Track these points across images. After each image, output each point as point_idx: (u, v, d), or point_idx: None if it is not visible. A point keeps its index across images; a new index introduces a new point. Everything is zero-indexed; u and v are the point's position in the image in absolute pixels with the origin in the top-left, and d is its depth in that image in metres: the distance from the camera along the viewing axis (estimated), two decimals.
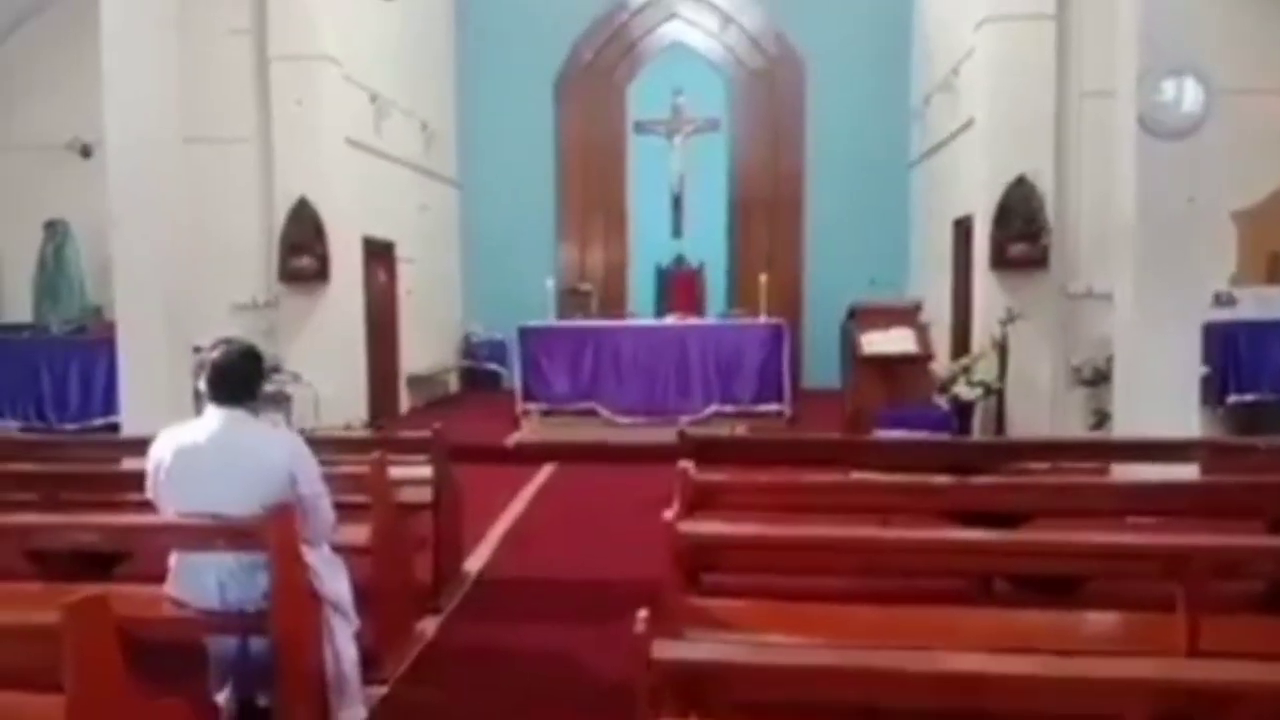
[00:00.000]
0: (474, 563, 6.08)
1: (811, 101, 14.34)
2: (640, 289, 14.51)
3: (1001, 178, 9.09)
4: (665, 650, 2.17)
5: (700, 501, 3.95)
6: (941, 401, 8.93)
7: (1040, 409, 9.03)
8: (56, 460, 5.40)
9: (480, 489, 8.12)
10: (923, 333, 8.65)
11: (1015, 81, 9.05)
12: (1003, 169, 9.10)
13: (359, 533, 4.22)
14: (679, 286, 14.11)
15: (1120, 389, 7.23)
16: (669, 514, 3.20)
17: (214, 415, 3.46)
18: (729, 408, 10.53)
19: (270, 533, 3.28)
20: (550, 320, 11.10)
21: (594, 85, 14.57)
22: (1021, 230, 8.91)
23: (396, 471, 5.05)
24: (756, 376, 10.58)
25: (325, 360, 9.67)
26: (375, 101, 11.03)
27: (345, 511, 4.35)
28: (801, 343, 13.67)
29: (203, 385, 3.52)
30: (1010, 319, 8.78)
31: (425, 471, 5.19)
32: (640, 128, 14.46)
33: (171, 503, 3.47)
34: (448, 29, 14.23)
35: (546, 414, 10.64)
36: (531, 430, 10.28)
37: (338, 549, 3.98)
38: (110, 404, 8.09)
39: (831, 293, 11.96)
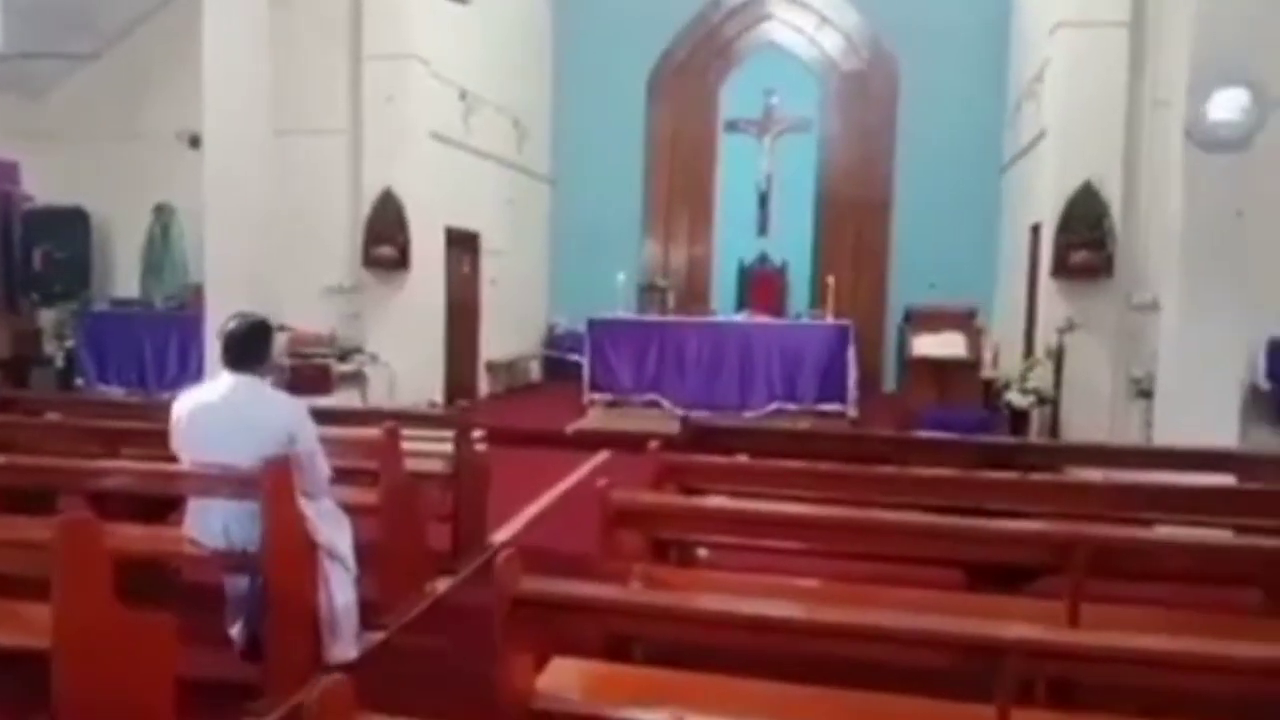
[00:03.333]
0: (502, 535, 6.47)
1: (904, 104, 14.34)
2: (723, 286, 14.75)
3: (1068, 184, 9.05)
4: (528, 584, 2.49)
5: (668, 477, 4.26)
6: (1001, 406, 8.97)
7: (1098, 419, 8.94)
8: (132, 419, 5.99)
9: (531, 470, 8.58)
10: (975, 337, 8.70)
11: (1086, 88, 8.99)
12: (1070, 175, 9.05)
13: (369, 494, 4.63)
14: (760, 285, 14.29)
15: (1161, 400, 7.17)
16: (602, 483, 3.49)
17: (226, 378, 3.92)
18: (791, 405, 10.71)
19: (266, 482, 3.71)
20: (618, 313, 11.43)
21: (686, 84, 14.88)
22: (1085, 238, 8.85)
23: (422, 445, 5.50)
24: (821, 376, 10.73)
25: (403, 343, 10.24)
26: (464, 98, 11.57)
27: (360, 476, 4.82)
28: (883, 345, 13.74)
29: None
30: (1069, 328, 8.74)
31: (448, 448, 5.58)
32: (731, 126, 14.74)
33: (188, 453, 3.94)
34: (546, 30, 14.73)
35: (611, 404, 11.02)
36: (594, 419, 10.65)
37: (347, 507, 4.42)
38: (202, 373, 8.76)
39: (917, 297, 11.98)
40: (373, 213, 10.15)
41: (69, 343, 9.79)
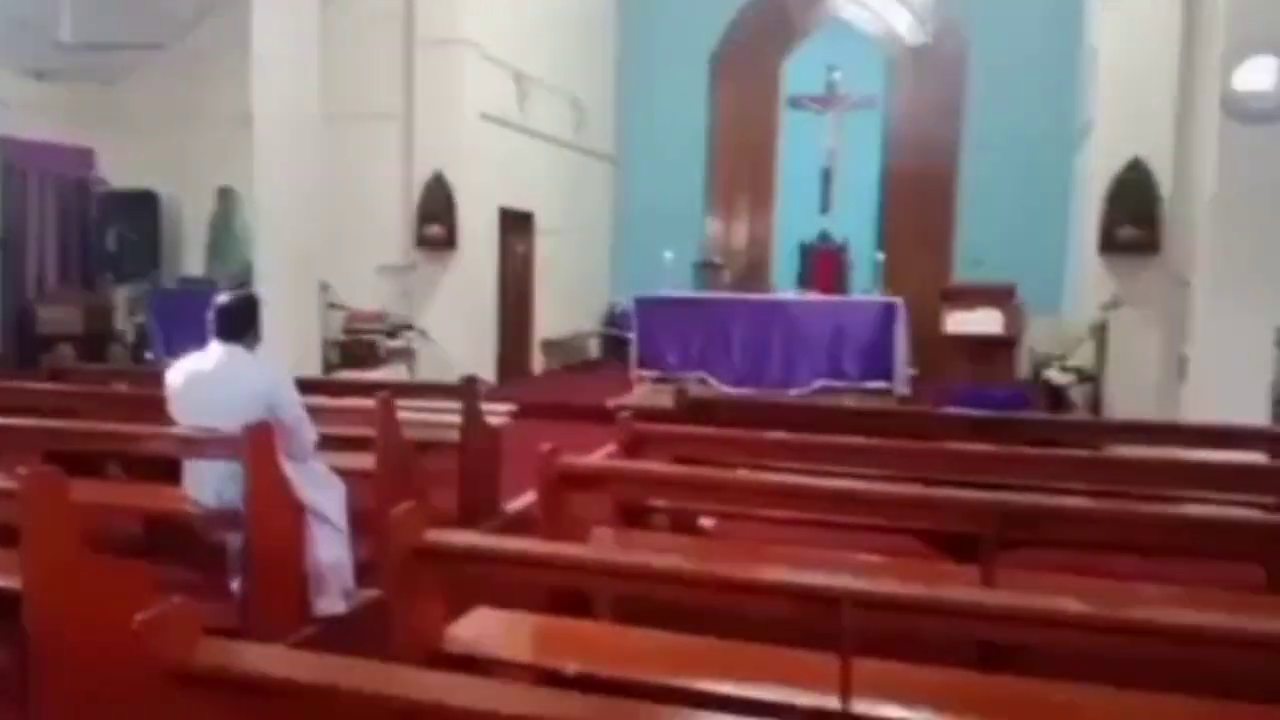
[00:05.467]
0: (519, 503, 6.67)
1: (972, 80, 14.06)
2: (784, 264, 14.72)
3: (1118, 159, 8.86)
4: (432, 536, 2.66)
5: (637, 445, 4.40)
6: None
7: (1144, 398, 8.74)
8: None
9: (566, 443, 8.74)
10: (1013, 315, 8.57)
11: (1138, 59, 8.77)
12: (1120, 150, 8.87)
13: (363, 460, 4.87)
14: (820, 263, 14.21)
15: (1193, 377, 7.02)
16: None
17: (217, 348, 4.18)
18: (837, 383, 10.69)
19: (247, 445, 3.95)
20: (666, 291, 11.52)
21: (749, 62, 14.84)
22: (1132, 214, 8.65)
23: (423, 415, 5.73)
24: (867, 353, 10.66)
25: (454, 320, 10.56)
26: (519, 81, 11.78)
27: (362, 443, 5.07)
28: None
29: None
30: (1114, 304, 8.56)
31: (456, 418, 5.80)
32: (795, 104, 14.67)
33: (182, 417, 4.22)
34: (609, 10, 14.85)
35: (659, 380, 11.13)
36: (639, 396, 10.79)
37: (343, 472, 4.67)
38: None
39: (985, 275, 11.80)
40: (424, 194, 10.46)
41: (139, 319, 10.33)
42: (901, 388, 10.60)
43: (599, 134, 14.51)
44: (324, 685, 1.86)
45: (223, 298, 4.27)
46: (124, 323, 10.70)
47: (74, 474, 5.05)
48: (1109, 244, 8.78)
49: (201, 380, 4.14)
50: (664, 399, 10.58)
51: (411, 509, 2.63)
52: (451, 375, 10.22)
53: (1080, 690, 2.61)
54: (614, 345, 14.70)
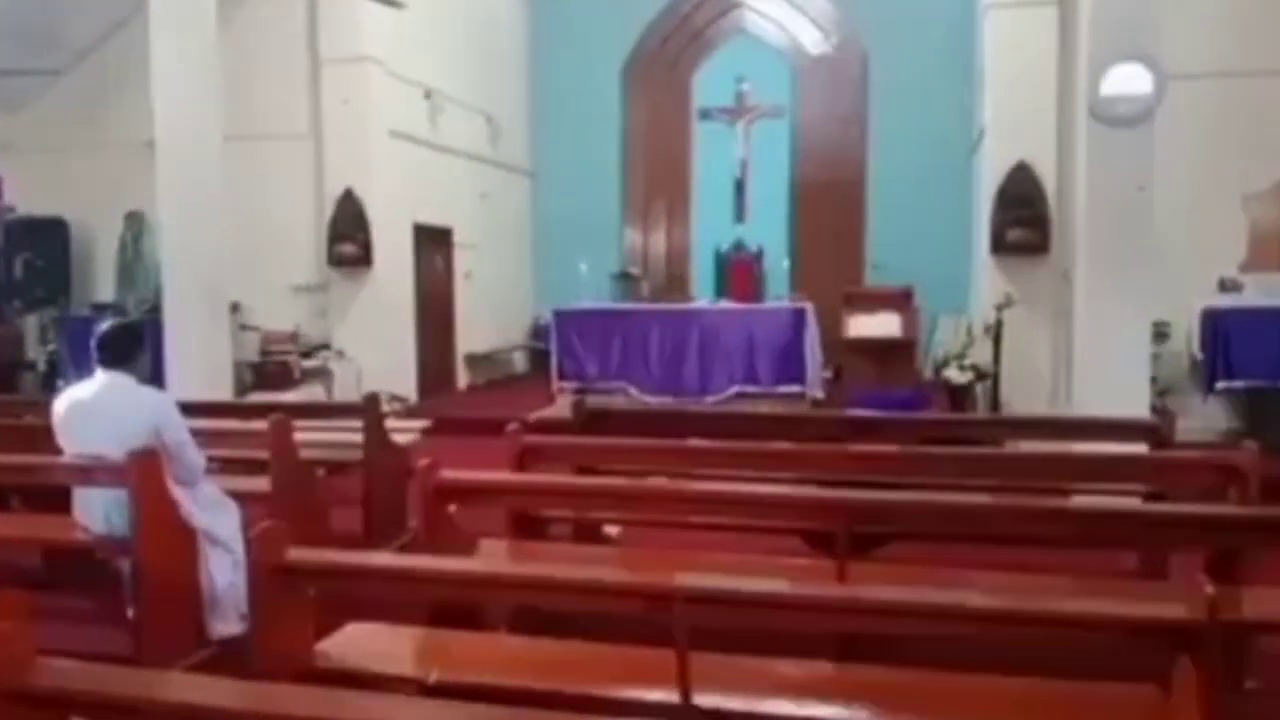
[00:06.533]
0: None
1: (874, 89, 14.44)
2: (702, 274, 14.95)
3: (1004, 163, 9.21)
4: (294, 554, 2.76)
5: (527, 457, 4.53)
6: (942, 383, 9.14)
7: (1039, 394, 9.10)
8: None
9: (484, 458, 8.83)
10: (911, 318, 8.86)
11: (1018, 68, 9.15)
12: (1006, 154, 9.23)
13: (260, 483, 4.94)
14: (737, 271, 14.46)
15: (1077, 371, 7.34)
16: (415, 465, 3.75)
17: (100, 376, 4.22)
18: (752, 388, 10.90)
19: (133, 471, 4.01)
20: (583, 303, 11.67)
21: (660, 73, 15.09)
22: (1020, 215, 9.00)
23: (331, 436, 5.81)
24: (779, 359, 10.88)
25: (370, 338, 10.59)
26: (430, 97, 11.85)
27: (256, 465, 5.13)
28: None
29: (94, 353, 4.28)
30: (1006, 304, 8.89)
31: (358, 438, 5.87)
32: (705, 115, 14.93)
33: (69, 446, 4.26)
34: (520, 26, 14.98)
35: (579, 392, 11.25)
36: (560, 408, 10.90)
37: (237, 495, 4.73)
38: (162, 374, 9.12)
39: (891, 279, 12.09)
40: (335, 212, 10.49)
41: (51, 347, 10.21)
42: (815, 391, 10.86)
43: (515, 148, 14.62)
44: (158, 701, 1.96)
45: (104, 326, 4.31)
46: (35, 351, 10.55)
47: None
48: (1000, 245, 9.12)
49: (83, 409, 4.19)
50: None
51: (271, 528, 2.73)
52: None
53: (929, 676, 2.80)
54: (540, 358, 14.75)
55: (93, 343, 4.27)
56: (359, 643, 3.04)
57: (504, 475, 4.02)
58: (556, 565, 2.86)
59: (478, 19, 13.41)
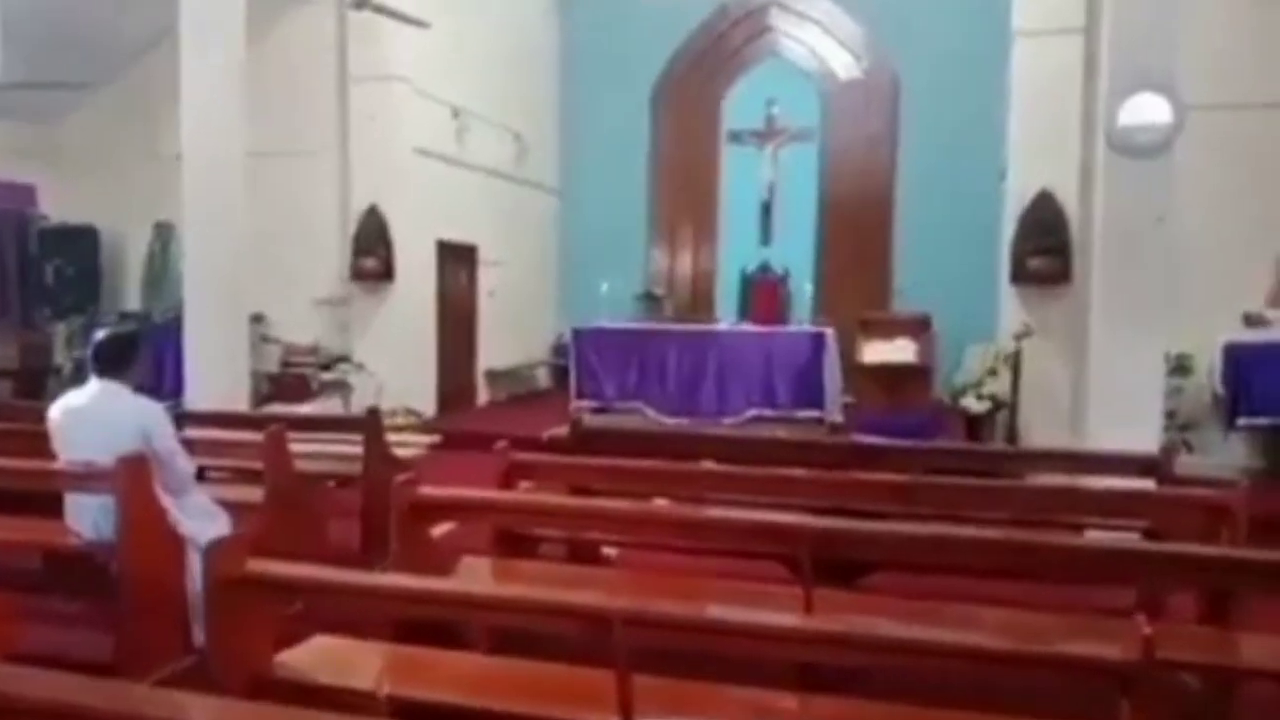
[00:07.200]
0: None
1: (905, 113, 14.37)
2: (726, 295, 14.92)
3: (1028, 191, 9.13)
4: (254, 566, 2.78)
5: (519, 475, 4.54)
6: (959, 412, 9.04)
7: (1058, 424, 8.95)
8: None
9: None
10: (927, 344, 8.78)
11: (1044, 93, 9.06)
12: (1029, 182, 9.15)
13: (254, 493, 4.98)
14: (761, 293, 14.43)
15: (1092, 404, 7.22)
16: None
17: (94, 384, 4.29)
18: (769, 412, 10.85)
19: (120, 478, 4.06)
20: (603, 322, 11.68)
21: (689, 95, 15.12)
22: (1042, 244, 8.90)
23: (335, 449, 5.85)
24: (798, 382, 10.83)
25: (391, 352, 10.67)
26: (458, 116, 11.96)
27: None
28: None
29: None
30: (1025, 333, 8.79)
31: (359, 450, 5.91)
32: (734, 138, 14.94)
33: (63, 452, 4.33)
34: (552, 45, 15.10)
35: (598, 411, 11.27)
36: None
37: (229, 505, 4.78)
38: (181, 383, 9.23)
39: (921, 305, 12.01)
40: (358, 228, 10.60)
41: (77, 353, 10.38)
42: (834, 416, 10.79)
43: (542, 166, 14.71)
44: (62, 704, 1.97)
45: (100, 335, 4.39)
46: (62, 357, 10.75)
47: None
48: (1020, 274, 9.02)
49: (77, 415, 4.26)
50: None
51: (232, 540, 2.76)
52: (387, 407, 10.39)
53: (883, 709, 2.76)
54: (563, 375, 14.79)
55: (88, 351, 4.34)
56: (320, 656, 3.05)
57: (480, 492, 4.03)
58: (506, 585, 2.85)
59: (509, 38, 13.54)
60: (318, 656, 3.03)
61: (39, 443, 5.50)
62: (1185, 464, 7.03)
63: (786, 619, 2.37)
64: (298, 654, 3.03)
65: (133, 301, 11.10)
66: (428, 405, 11.30)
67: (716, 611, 2.42)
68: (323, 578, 2.84)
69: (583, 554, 4.92)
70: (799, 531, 3.17)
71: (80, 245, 11.06)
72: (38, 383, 10.58)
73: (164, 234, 10.68)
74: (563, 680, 2.82)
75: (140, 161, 11.12)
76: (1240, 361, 8.04)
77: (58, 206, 11.29)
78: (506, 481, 4.51)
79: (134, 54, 11.19)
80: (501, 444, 4.57)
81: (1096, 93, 8.81)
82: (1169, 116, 6.66)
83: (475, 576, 3.86)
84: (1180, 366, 8.40)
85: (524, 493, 4.32)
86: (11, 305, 11.11)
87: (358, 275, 10.66)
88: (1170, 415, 8.29)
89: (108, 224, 11.32)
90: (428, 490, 3.73)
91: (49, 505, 5.35)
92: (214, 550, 2.72)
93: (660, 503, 4.74)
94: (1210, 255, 8.45)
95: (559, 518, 3.80)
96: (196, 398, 8.40)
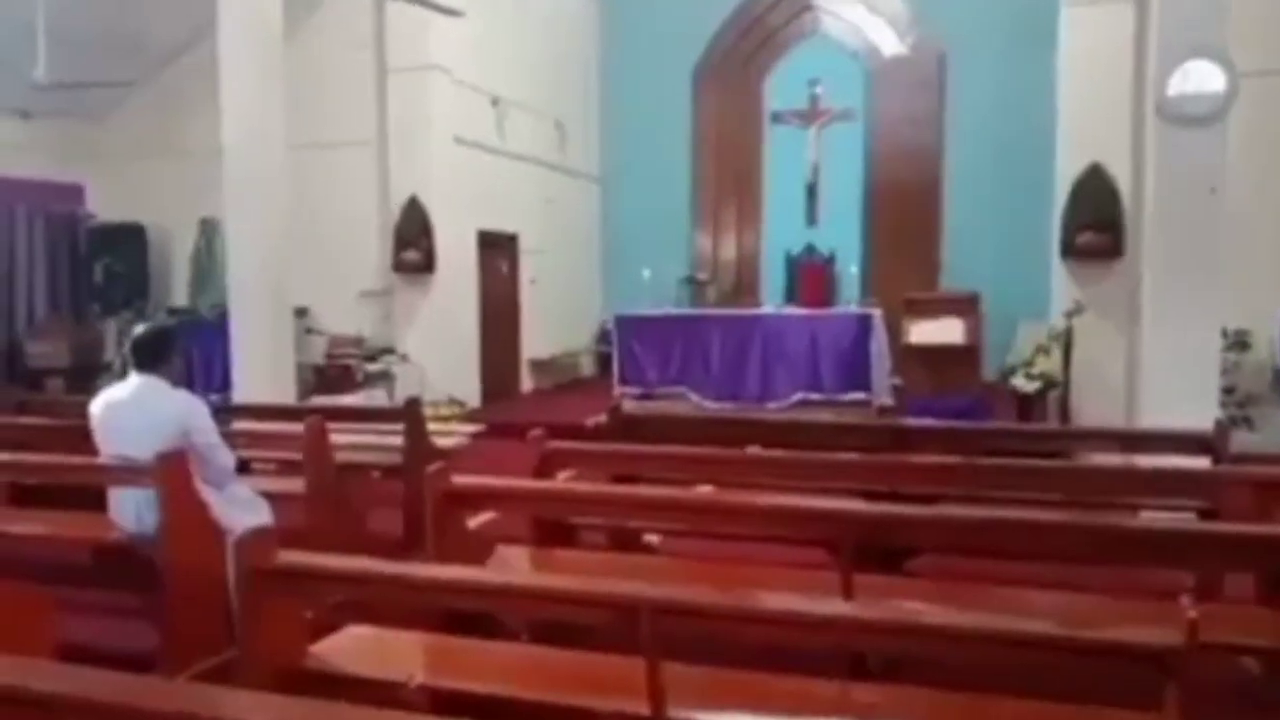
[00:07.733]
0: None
1: (952, 90, 14.11)
2: (772, 278, 14.78)
3: (1077, 165, 8.91)
4: (285, 558, 2.77)
5: (554, 463, 4.51)
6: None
7: (1114, 403, 8.75)
8: None
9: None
10: (974, 324, 8.61)
11: (1094, 66, 8.84)
12: (1079, 155, 8.93)
13: (295, 484, 5.00)
14: (807, 276, 14.26)
15: (1145, 381, 7.04)
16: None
17: (134, 379, 4.32)
18: (815, 395, 10.72)
19: (161, 472, 4.09)
20: (645, 308, 11.61)
21: (731, 77, 14.96)
22: (1093, 219, 8.68)
23: (377, 439, 5.87)
24: (844, 365, 10.68)
25: (434, 343, 10.71)
26: (497, 104, 11.94)
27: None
28: None
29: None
30: (1076, 310, 8.59)
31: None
32: (777, 118, 14.75)
33: (104, 446, 4.37)
34: (591, 32, 15.03)
35: (642, 397, 11.22)
36: None
37: (271, 496, 4.80)
38: (229, 377, 9.34)
39: (971, 284, 11.79)
40: (400, 219, 10.63)
41: (127, 350, 10.54)
42: (882, 398, 10.62)
43: (583, 153, 14.67)
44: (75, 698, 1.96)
45: (139, 330, 4.42)
46: (112, 354, 10.92)
47: (37, 504, 5.33)
48: (1070, 249, 8.80)
49: (117, 410, 4.29)
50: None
51: (262, 532, 2.74)
52: (430, 397, 10.43)
53: (929, 695, 2.68)
54: (607, 363, 14.78)
55: (127, 346, 4.36)
56: (354, 646, 3.04)
57: (511, 481, 3.99)
58: (538, 574, 2.81)
59: (548, 25, 13.50)
60: (351, 647, 3.02)
61: (87, 438, 5.63)
62: (1244, 441, 6.85)
63: (826, 605, 2.30)
64: (331, 645, 3.02)
65: (181, 298, 11.26)
66: (471, 395, 11.32)
67: (748, 599, 2.35)
68: (350, 568, 2.83)
69: (623, 541, 4.87)
70: (847, 516, 3.09)
71: (128, 243, 11.22)
72: (89, 380, 10.75)
73: (209, 230, 10.81)
74: (596, 669, 2.79)
75: (183, 158, 11.23)
76: None
77: (104, 205, 11.47)
78: (543, 470, 4.47)
79: (174, 50, 11.30)
80: (536, 432, 4.52)
81: (1147, 62, 8.60)
82: (1222, 85, 6.43)
83: (509, 566, 3.83)
84: (1239, 341, 8.16)
85: (561, 481, 4.26)
86: (62, 303, 11.32)
87: (400, 267, 10.70)
88: (1229, 391, 8.06)
89: (154, 221, 11.46)
90: (460, 480, 3.70)
91: (100, 500, 5.48)
92: (243, 543, 2.71)
93: (704, 489, 4.69)
94: (1267, 226, 8.18)
95: (593, 505, 3.75)
96: (244, 391, 8.48)
